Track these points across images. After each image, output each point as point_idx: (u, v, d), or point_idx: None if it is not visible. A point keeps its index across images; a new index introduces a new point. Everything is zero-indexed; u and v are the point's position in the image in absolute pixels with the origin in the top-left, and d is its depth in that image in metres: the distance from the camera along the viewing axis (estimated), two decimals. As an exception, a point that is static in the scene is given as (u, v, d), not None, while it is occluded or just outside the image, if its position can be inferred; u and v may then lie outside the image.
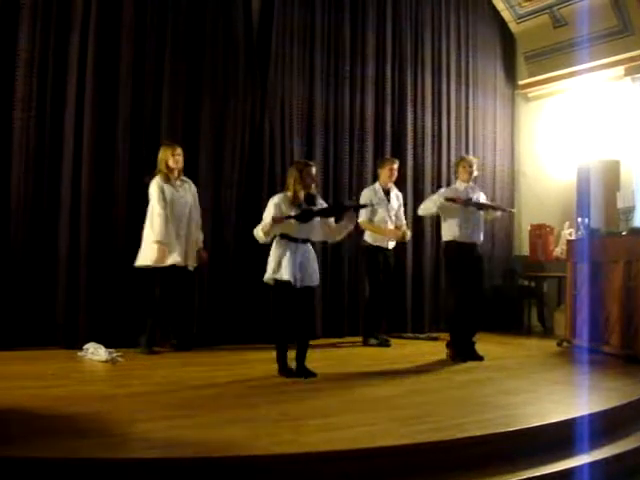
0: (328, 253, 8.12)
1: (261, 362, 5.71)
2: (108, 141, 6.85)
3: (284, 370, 5.46)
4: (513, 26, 10.09)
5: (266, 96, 7.77)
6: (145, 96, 7.07)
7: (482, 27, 9.97)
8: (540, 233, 9.28)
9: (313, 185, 5.60)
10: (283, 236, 5.43)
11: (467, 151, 9.57)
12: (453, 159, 9.16)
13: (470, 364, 6.34)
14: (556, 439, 3.98)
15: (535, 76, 9.98)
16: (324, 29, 8.31)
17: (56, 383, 4.94)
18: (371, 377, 5.65)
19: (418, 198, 8.79)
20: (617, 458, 4.07)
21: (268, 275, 5.46)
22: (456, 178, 6.93)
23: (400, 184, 8.71)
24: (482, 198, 6.90)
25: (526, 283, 9.62)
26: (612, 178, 8.53)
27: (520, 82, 10.27)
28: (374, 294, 7.55)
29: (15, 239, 6.43)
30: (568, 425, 4.14)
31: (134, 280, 6.78)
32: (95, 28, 6.76)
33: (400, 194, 7.91)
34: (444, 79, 9.45)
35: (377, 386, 5.24)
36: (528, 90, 10.18)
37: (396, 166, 7.71)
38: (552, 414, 4.28)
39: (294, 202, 5.43)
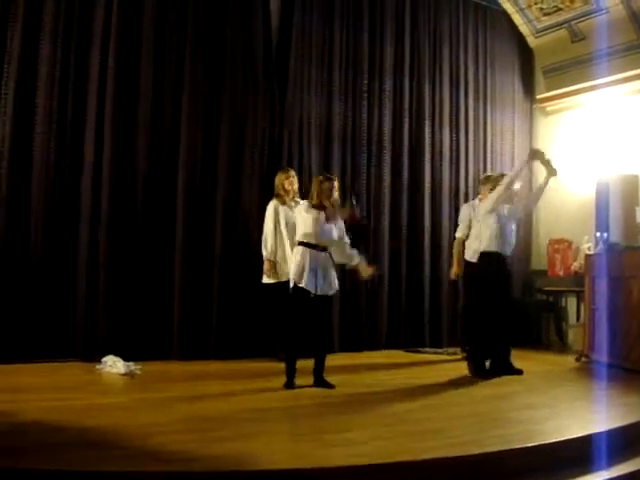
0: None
1: (278, 375, 5.69)
2: (128, 154, 6.90)
3: (289, 384, 5.54)
4: (531, 40, 10.09)
5: (284, 111, 7.80)
6: (164, 112, 7.13)
7: (500, 41, 9.97)
8: (558, 248, 9.24)
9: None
10: (303, 244, 5.61)
11: (485, 166, 9.58)
12: (471, 174, 9.18)
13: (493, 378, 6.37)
14: (575, 455, 3.95)
15: (553, 90, 9.96)
16: (342, 44, 8.34)
17: (73, 396, 4.95)
18: (390, 392, 5.63)
19: (435, 213, 8.80)
20: (636, 475, 4.02)
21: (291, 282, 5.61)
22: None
23: (418, 199, 8.75)
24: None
25: (544, 298, 9.56)
26: (631, 192, 8.47)
27: (538, 96, 10.24)
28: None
29: (34, 252, 6.47)
30: (587, 441, 4.09)
31: (153, 293, 6.84)
32: (115, 44, 6.83)
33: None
34: (462, 94, 9.45)
35: (396, 401, 5.21)
36: (546, 104, 10.15)
37: None
38: (571, 430, 4.25)
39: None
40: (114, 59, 6.84)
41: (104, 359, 6.20)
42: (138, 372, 5.99)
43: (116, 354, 6.26)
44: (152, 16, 7.07)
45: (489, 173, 8.22)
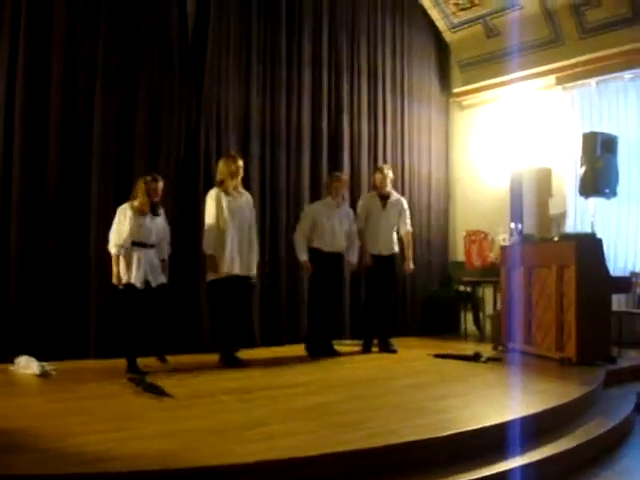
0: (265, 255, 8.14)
1: (198, 370, 5.65)
2: (39, 144, 6.67)
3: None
4: (447, 35, 10.24)
5: (201, 105, 7.70)
6: (77, 103, 6.91)
7: (417, 36, 10.11)
8: (475, 239, 9.41)
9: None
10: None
11: (403, 158, 9.74)
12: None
13: (411, 369, 6.55)
14: (491, 442, 4.04)
15: (469, 84, 10.16)
16: (260, 37, 8.29)
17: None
18: (310, 384, 5.65)
19: (353, 205, 8.85)
20: (551, 460, 4.14)
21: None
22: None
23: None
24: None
25: (462, 288, 9.74)
26: (544, 185, 8.73)
27: (454, 90, 10.43)
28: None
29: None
30: (502, 428, 4.19)
31: (65, 291, 6.68)
32: (25, 35, 6.57)
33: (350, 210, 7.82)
34: (380, 87, 9.55)
35: (316, 393, 5.24)
36: (462, 98, 10.35)
37: (338, 182, 7.53)
38: (487, 417, 4.34)
39: (141, 212, 5.98)
40: (24, 50, 6.58)
41: (17, 359, 6.03)
42: (53, 373, 5.83)
43: (30, 354, 6.09)
44: (64, 2, 6.83)
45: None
